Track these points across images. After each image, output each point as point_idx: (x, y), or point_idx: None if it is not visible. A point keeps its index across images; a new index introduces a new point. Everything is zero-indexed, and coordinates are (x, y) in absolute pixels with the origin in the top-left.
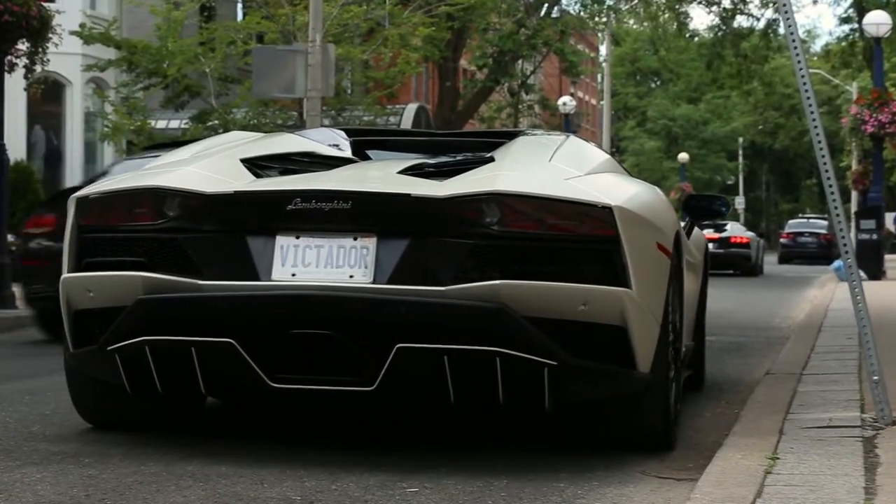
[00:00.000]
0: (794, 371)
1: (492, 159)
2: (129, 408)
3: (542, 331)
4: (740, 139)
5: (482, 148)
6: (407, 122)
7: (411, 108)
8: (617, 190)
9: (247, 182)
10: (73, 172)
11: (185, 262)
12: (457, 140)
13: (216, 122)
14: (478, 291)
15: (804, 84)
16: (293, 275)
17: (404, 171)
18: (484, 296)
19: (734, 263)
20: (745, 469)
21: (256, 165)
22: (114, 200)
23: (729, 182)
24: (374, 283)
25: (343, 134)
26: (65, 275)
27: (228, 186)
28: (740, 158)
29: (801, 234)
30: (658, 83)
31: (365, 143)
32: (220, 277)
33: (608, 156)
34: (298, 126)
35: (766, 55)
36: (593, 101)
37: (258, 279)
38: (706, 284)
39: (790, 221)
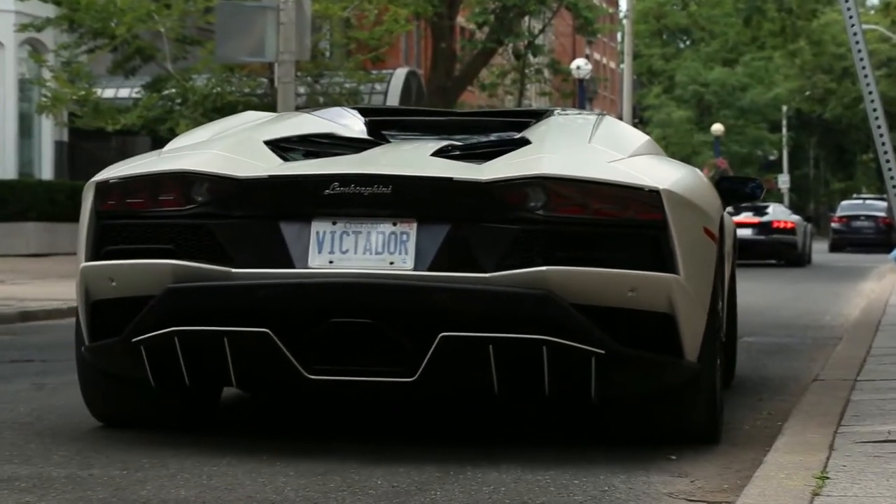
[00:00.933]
0: (847, 377)
1: (526, 140)
2: (144, 405)
3: (589, 318)
4: (784, 107)
5: (506, 128)
6: (395, 90)
7: (400, 74)
8: (663, 173)
9: (276, 165)
10: (5, 148)
11: (216, 250)
12: (478, 120)
13: (173, 90)
14: (524, 278)
15: (857, 43)
16: (330, 262)
17: (437, 154)
18: (530, 282)
19: (777, 252)
20: (789, 491)
21: (280, 147)
22: (137, 185)
23: (771, 157)
24: (414, 270)
25: (356, 113)
26: (83, 263)
27: (260, 170)
28: (784, 130)
29: (856, 217)
30: (688, 43)
31: (380, 124)
32: (252, 265)
33: (647, 137)
34: (268, 95)
35: (814, 9)
36: (612, 65)
37: (292, 266)
38: (735, 273)
39: (843, 203)
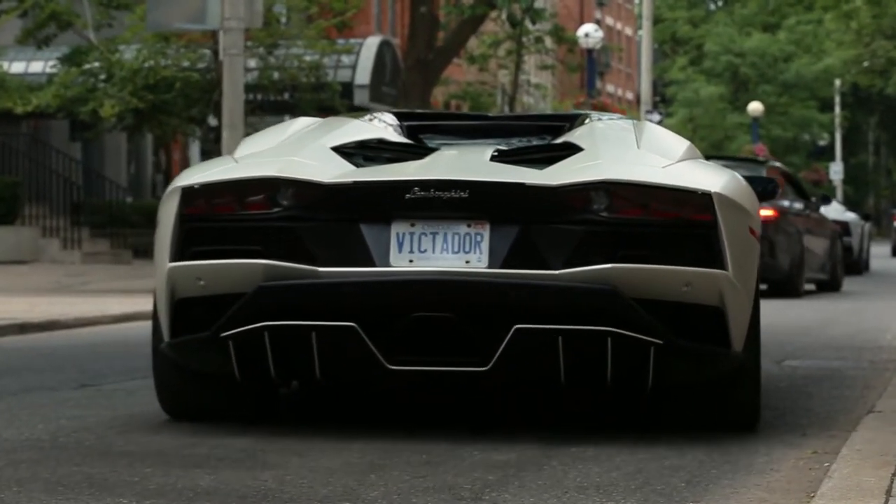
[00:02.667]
0: None
1: (576, 146)
2: (217, 399)
3: (648, 311)
4: (837, 81)
5: (540, 132)
6: (366, 63)
7: (371, 44)
8: (711, 177)
9: (351, 170)
10: None
11: (301, 250)
12: (510, 124)
13: (96, 64)
14: (590, 275)
15: None
16: (410, 261)
17: (495, 159)
18: (596, 279)
19: None
20: None
21: (344, 153)
22: (224, 190)
23: (821, 143)
24: (489, 268)
25: (392, 117)
26: (169, 264)
27: (339, 175)
28: (837, 109)
29: None
30: (720, 4)
31: (418, 128)
32: (335, 264)
33: (688, 142)
34: (211, 69)
35: None
36: (628, 31)
37: (374, 265)
38: None
39: None
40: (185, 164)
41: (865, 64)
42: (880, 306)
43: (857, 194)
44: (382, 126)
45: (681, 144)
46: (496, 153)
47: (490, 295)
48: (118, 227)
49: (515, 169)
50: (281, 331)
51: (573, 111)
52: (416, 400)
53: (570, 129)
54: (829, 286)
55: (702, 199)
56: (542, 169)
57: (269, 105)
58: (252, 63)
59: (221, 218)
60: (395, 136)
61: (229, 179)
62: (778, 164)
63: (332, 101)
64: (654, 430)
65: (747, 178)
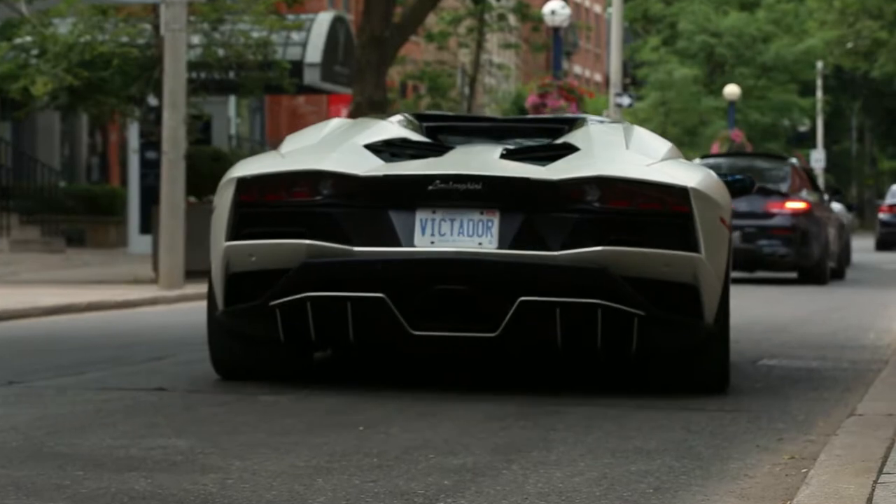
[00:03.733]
0: (892, 412)
1: (573, 147)
2: (260, 360)
3: (633, 287)
4: (819, 64)
5: (542, 133)
6: (317, 40)
7: (323, 20)
8: (688, 174)
9: (381, 165)
10: None
11: (339, 232)
12: (516, 126)
13: (28, 38)
14: (584, 256)
15: None
16: (432, 242)
17: (505, 157)
18: (589, 259)
19: None
20: None
21: (374, 150)
22: (273, 181)
23: (802, 128)
24: (498, 248)
25: (413, 118)
26: (225, 243)
27: (372, 170)
28: (819, 93)
29: None
30: None
31: (435, 129)
32: (368, 244)
33: (670, 143)
34: (152, 45)
35: None
36: (597, 9)
37: (401, 246)
38: None
39: (893, 187)
40: (123, 145)
41: (849, 45)
42: (863, 302)
43: (839, 183)
44: (405, 127)
45: (663, 146)
46: (505, 151)
47: (499, 272)
48: (50, 213)
49: (521, 165)
50: (321, 301)
51: (571, 115)
52: (368, 400)
53: (568, 131)
54: (836, 274)
55: (680, 193)
56: (544, 165)
57: (213, 84)
58: (195, 39)
59: (271, 204)
60: (416, 136)
61: (278, 171)
62: (795, 160)
63: (280, 80)
64: (622, 434)
65: (728, 178)
